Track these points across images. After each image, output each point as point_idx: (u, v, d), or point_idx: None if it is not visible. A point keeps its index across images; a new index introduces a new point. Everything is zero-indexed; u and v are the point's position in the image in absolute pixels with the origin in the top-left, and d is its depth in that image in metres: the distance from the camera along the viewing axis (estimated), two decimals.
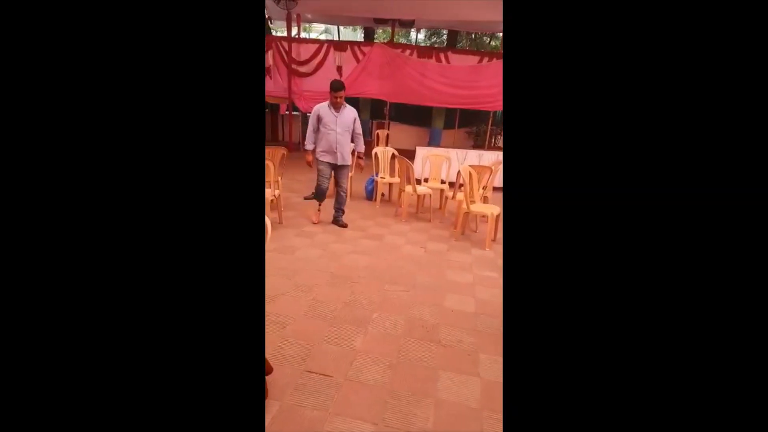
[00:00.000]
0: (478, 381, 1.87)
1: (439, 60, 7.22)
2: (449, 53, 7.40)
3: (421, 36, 12.00)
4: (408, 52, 7.36)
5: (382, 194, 4.95)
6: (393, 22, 8.04)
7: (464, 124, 8.78)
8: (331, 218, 3.96)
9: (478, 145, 8.48)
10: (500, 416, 1.68)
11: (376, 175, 4.85)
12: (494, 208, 3.72)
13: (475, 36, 11.37)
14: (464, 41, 10.86)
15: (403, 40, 11.53)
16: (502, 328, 2.47)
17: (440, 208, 4.80)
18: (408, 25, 8.60)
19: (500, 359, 2.10)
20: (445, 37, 10.30)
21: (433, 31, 11.39)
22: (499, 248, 3.65)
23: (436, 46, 10.68)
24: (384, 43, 7.77)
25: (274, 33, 9.36)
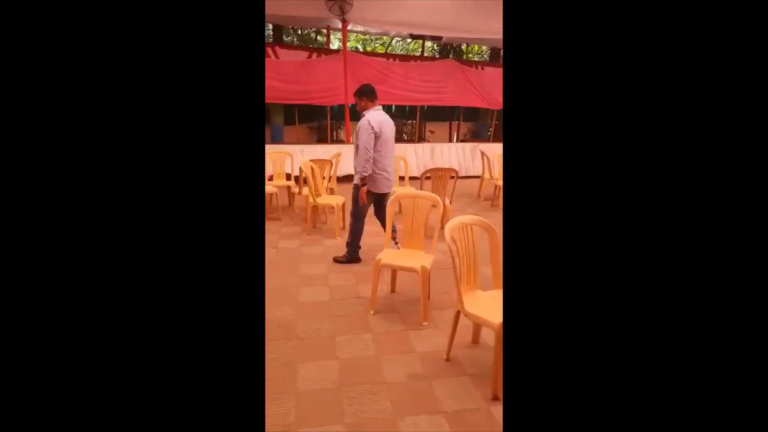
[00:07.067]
0: (336, 363, 2.00)
1: (267, 55, 7.14)
2: (277, 48, 7.42)
3: None
4: None
5: None
6: None
7: (305, 120, 8.94)
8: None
9: (321, 139, 8.83)
10: (357, 387, 1.84)
11: None
12: (339, 199, 3.92)
13: (302, 31, 11.51)
14: (291, 36, 10.96)
15: None
16: (355, 309, 2.73)
17: (289, 205, 4.91)
18: None
19: (355, 337, 2.27)
20: (271, 31, 10.14)
21: None
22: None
23: None
24: None
25: None
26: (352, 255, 3.21)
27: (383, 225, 3.18)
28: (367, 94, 2.92)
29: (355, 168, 3.01)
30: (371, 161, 2.84)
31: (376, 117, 2.85)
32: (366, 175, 2.87)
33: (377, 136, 2.82)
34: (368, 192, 2.96)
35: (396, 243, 3.17)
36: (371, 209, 3.20)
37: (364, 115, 2.89)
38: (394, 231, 3.20)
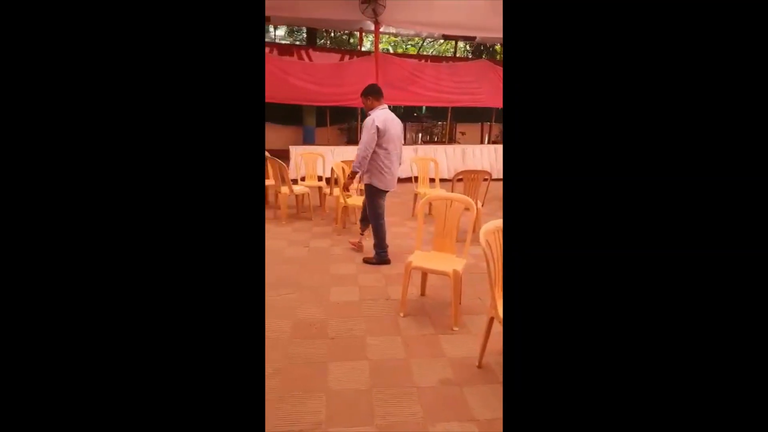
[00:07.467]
0: (366, 364, 2.00)
1: (300, 58, 7.40)
2: (310, 51, 7.64)
3: (281, 33, 11.89)
4: (268, 49, 7.34)
5: None
6: None
7: (336, 121, 9.06)
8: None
9: (351, 140, 8.87)
10: (387, 389, 1.83)
11: None
12: None
13: (335, 34, 11.59)
14: (324, 39, 11.08)
15: None
16: (385, 310, 2.72)
17: (320, 205, 4.95)
18: None
19: (386, 339, 2.27)
20: (304, 34, 10.39)
21: (292, 28, 11.34)
22: None
23: (297, 43, 10.77)
24: None
25: None
26: (382, 256, 3.23)
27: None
28: (373, 94, 3.03)
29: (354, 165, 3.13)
30: (367, 159, 2.92)
31: (381, 116, 2.93)
32: (357, 171, 2.98)
33: (382, 134, 2.92)
34: (378, 190, 3.07)
35: (362, 234, 3.53)
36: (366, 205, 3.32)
37: (370, 114, 2.99)
38: (366, 225, 3.44)
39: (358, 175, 3.05)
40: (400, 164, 3.20)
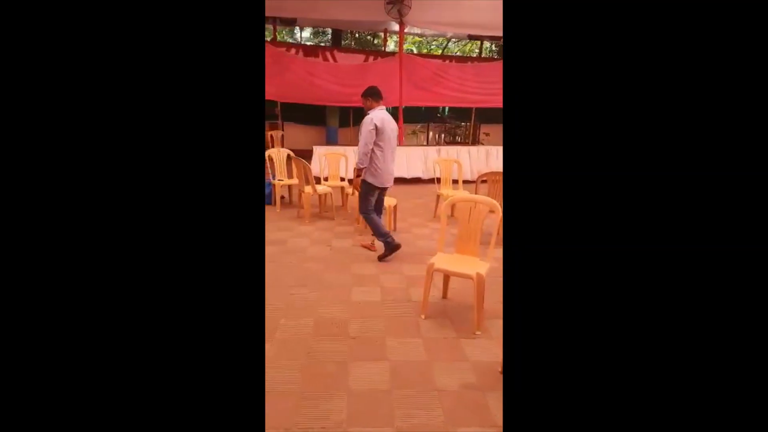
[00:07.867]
0: (387, 365, 2.00)
1: (325, 59, 7.48)
2: (335, 52, 7.71)
3: (306, 34, 12.09)
4: (294, 51, 7.49)
5: (282, 197, 5.06)
6: (273, 20, 7.72)
7: (359, 122, 8.88)
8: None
9: None
10: (408, 391, 1.83)
11: (273, 178, 4.81)
12: (391, 200, 3.90)
13: (359, 35, 11.63)
14: (349, 40, 11.15)
15: (288, 39, 11.46)
16: (406, 312, 2.70)
17: (343, 205, 4.98)
18: (290, 23, 8.23)
19: (407, 340, 2.27)
20: (329, 36, 10.51)
21: (318, 30, 11.48)
22: (401, 236, 3.82)
23: (322, 44, 10.86)
24: (268, 41, 7.15)
25: None
26: (389, 243, 3.28)
27: (379, 216, 3.55)
28: (372, 95, 3.22)
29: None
30: (368, 155, 3.12)
31: (379, 115, 3.13)
32: (362, 167, 3.17)
33: (379, 132, 3.11)
34: (372, 185, 3.23)
35: (372, 243, 3.57)
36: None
37: (368, 114, 3.15)
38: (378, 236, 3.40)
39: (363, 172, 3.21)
40: (393, 163, 3.36)
